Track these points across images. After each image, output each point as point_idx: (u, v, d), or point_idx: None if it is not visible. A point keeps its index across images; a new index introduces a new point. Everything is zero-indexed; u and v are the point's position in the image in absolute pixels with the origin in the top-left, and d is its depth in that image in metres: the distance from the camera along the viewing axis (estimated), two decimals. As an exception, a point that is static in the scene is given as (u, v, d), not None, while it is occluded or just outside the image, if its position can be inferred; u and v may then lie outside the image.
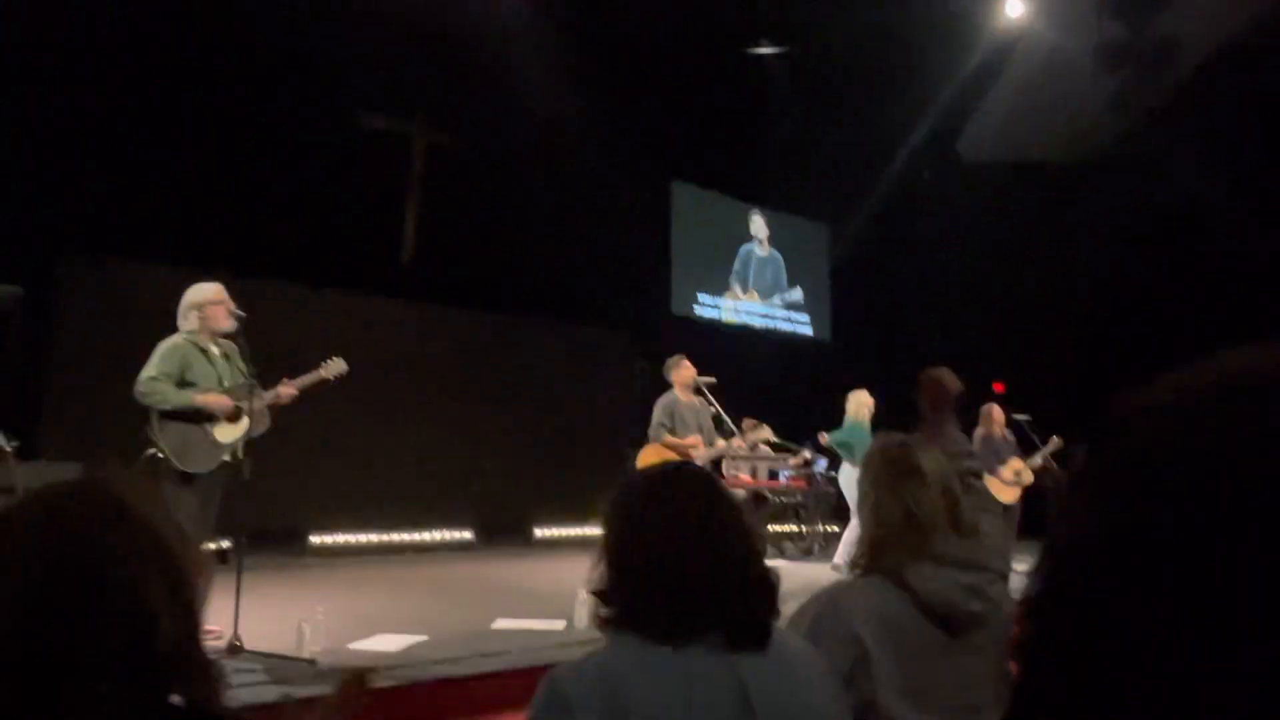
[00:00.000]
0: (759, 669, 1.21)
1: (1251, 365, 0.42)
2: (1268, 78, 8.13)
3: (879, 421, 7.15)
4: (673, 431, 6.20)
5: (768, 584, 1.30)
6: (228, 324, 4.33)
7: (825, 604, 1.67)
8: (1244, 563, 0.36)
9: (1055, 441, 7.78)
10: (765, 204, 12.40)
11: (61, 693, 0.79)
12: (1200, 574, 0.37)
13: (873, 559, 1.74)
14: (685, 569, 1.23)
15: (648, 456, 6.21)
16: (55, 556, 0.82)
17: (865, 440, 7.00)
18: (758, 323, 12.22)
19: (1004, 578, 1.73)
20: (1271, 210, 8.33)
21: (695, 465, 1.49)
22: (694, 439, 6.17)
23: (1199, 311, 8.82)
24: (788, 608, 1.44)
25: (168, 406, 4.12)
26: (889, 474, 1.76)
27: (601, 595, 1.31)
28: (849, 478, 7.16)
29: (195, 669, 0.87)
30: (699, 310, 11.48)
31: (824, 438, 7.39)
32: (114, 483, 0.91)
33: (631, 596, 1.26)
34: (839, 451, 7.25)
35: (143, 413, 4.14)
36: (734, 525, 1.30)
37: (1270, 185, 8.40)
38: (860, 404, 7.32)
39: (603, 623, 1.29)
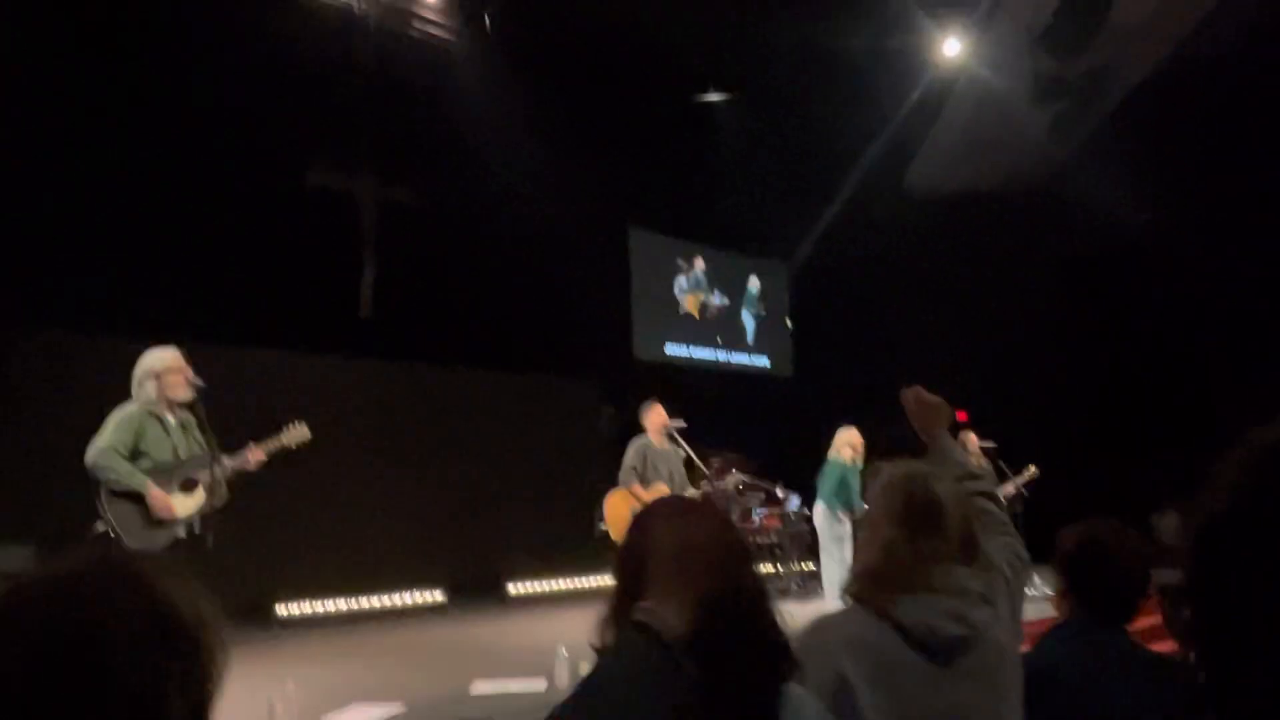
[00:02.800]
0: None
1: None
2: (1197, 102, 8.47)
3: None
4: (643, 477, 6.16)
5: (777, 646, 1.24)
6: (186, 393, 4.20)
7: (807, 636, 1.63)
8: None
9: (1031, 470, 7.87)
10: (719, 245, 12.52)
11: None
12: None
13: (867, 590, 1.69)
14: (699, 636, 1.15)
15: (614, 504, 6.15)
16: (58, 631, 0.79)
17: (840, 477, 6.95)
18: (719, 363, 12.26)
19: (987, 601, 1.67)
20: (1210, 231, 8.62)
21: (714, 510, 1.42)
22: (661, 487, 6.12)
23: (1150, 334, 9.06)
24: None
25: (119, 486, 3.96)
26: (908, 515, 1.68)
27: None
28: (822, 515, 7.07)
29: None
30: (669, 350, 11.51)
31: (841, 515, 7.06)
32: (129, 559, 0.88)
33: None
34: (829, 500, 7.02)
35: (92, 485, 3.99)
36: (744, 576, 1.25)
37: (1206, 206, 8.70)
38: (844, 443, 7.15)
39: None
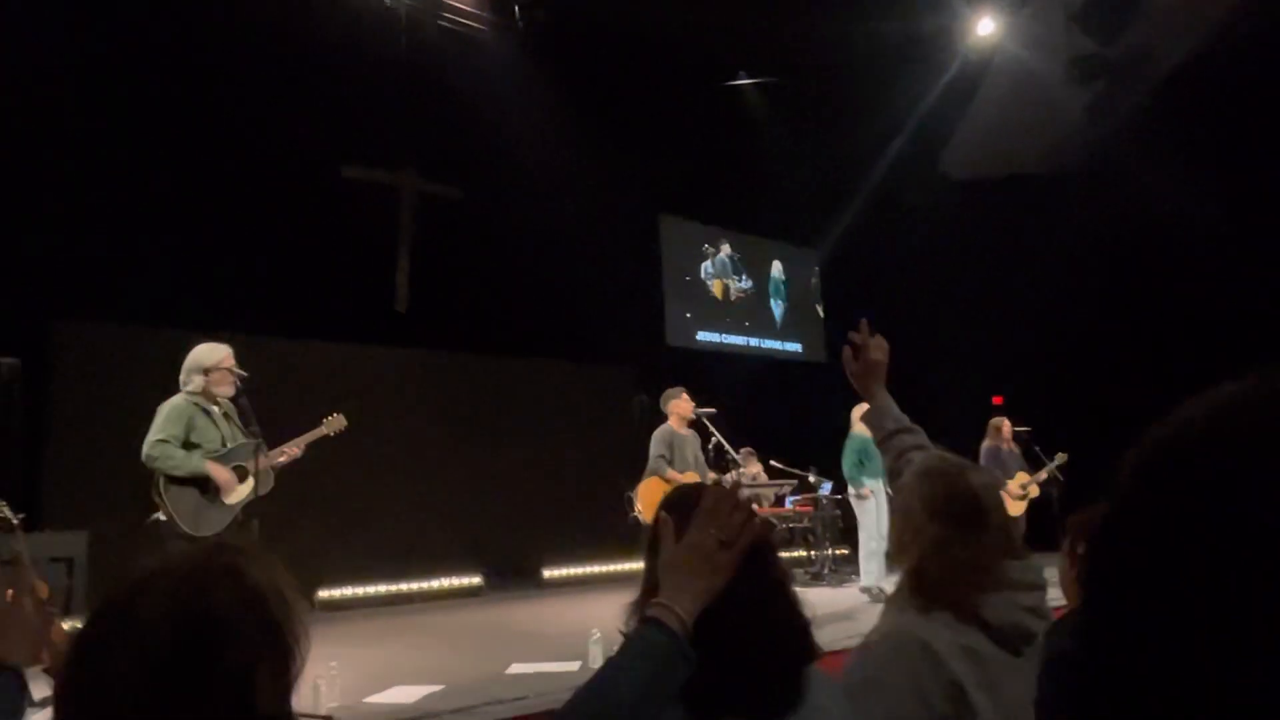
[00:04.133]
0: None
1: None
2: (1239, 82, 8.27)
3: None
4: (671, 464, 6.21)
5: (798, 629, 1.27)
6: (230, 390, 4.35)
7: (913, 650, 1.59)
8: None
9: (1061, 457, 7.79)
10: (752, 231, 12.49)
11: None
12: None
13: (936, 594, 1.65)
14: (718, 625, 1.16)
15: (649, 489, 6.21)
16: (180, 622, 0.87)
17: (860, 449, 7.06)
18: (750, 348, 12.26)
19: (1044, 589, 1.71)
20: (1251, 213, 8.43)
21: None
22: (690, 473, 6.17)
23: (1189, 317, 8.90)
24: (823, 634, 1.40)
25: (180, 472, 4.11)
26: (953, 512, 1.67)
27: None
28: (873, 489, 7.14)
29: None
30: (700, 337, 11.54)
31: (864, 489, 7.17)
32: (233, 553, 0.96)
33: None
34: (852, 474, 7.14)
35: (147, 476, 4.14)
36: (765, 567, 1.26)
37: (1248, 188, 8.50)
38: (861, 416, 7.25)
39: None
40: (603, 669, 1.13)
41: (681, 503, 1.32)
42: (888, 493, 6.81)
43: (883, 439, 2.13)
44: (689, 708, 1.14)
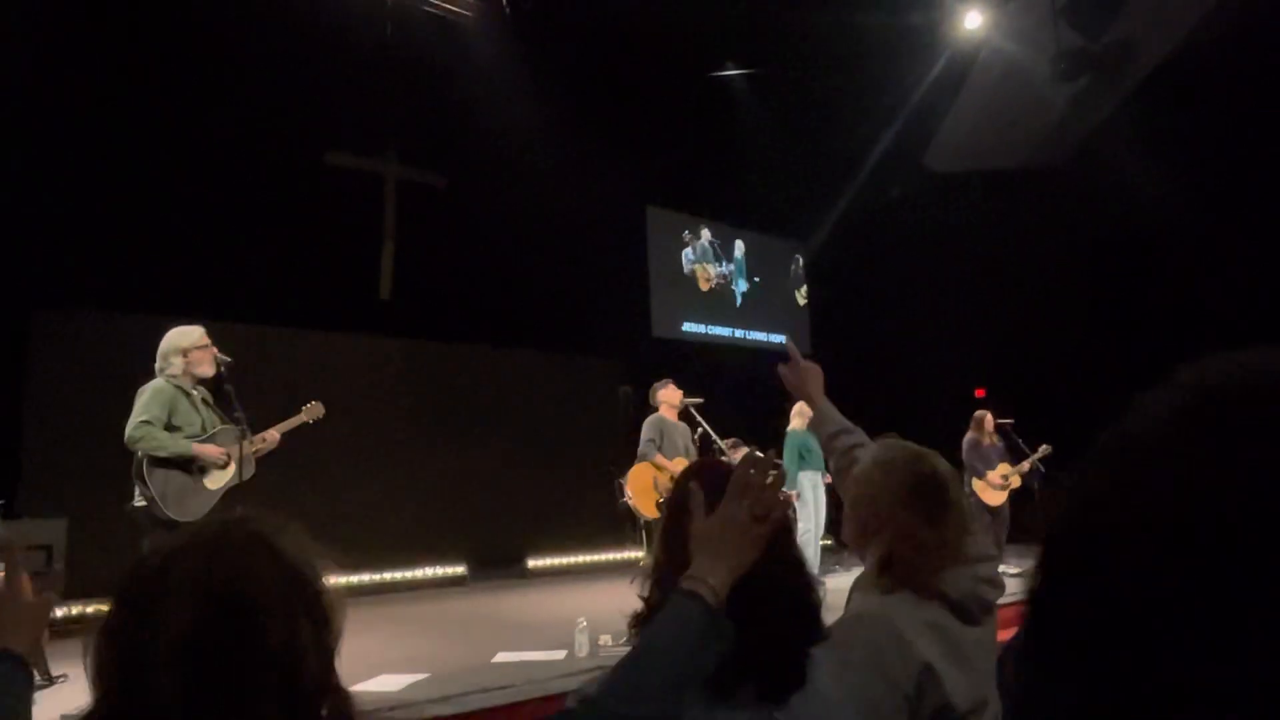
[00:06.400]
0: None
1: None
2: (1223, 78, 8.33)
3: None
4: (661, 450, 6.22)
5: (813, 609, 1.27)
6: (210, 369, 4.29)
7: (879, 632, 1.64)
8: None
9: (1044, 449, 7.89)
10: (739, 224, 12.50)
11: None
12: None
13: (902, 576, 1.70)
14: (740, 600, 1.15)
15: (639, 475, 6.22)
16: (217, 595, 0.86)
17: (798, 446, 7.53)
18: (735, 339, 12.28)
19: (996, 558, 1.81)
20: (1232, 207, 8.52)
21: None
22: (680, 461, 6.18)
23: (1171, 310, 8.99)
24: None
25: (164, 453, 4.04)
26: (919, 499, 1.72)
27: (644, 615, 1.27)
28: (812, 481, 7.60)
29: (335, 698, 0.92)
30: (686, 328, 11.54)
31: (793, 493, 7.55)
32: (257, 522, 0.95)
33: None
34: (790, 469, 7.60)
35: (128, 461, 4.09)
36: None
37: (1230, 183, 8.58)
38: (795, 413, 7.67)
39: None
40: (639, 644, 1.12)
41: (709, 474, 1.31)
42: (826, 485, 7.57)
43: (827, 441, 2.20)
44: (701, 683, 1.14)
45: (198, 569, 0.87)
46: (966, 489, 7.67)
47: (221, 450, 4.18)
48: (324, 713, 0.90)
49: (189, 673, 0.82)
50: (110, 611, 0.88)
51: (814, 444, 7.55)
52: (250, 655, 0.84)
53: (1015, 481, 7.87)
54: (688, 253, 11.99)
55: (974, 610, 1.69)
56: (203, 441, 4.21)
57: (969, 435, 7.97)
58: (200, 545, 0.90)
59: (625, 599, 1.34)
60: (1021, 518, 8.03)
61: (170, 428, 4.14)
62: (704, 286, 12.10)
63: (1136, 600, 0.39)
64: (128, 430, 4.03)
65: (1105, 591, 0.40)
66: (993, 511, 7.72)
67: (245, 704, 0.84)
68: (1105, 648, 0.39)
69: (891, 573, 1.71)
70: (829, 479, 7.86)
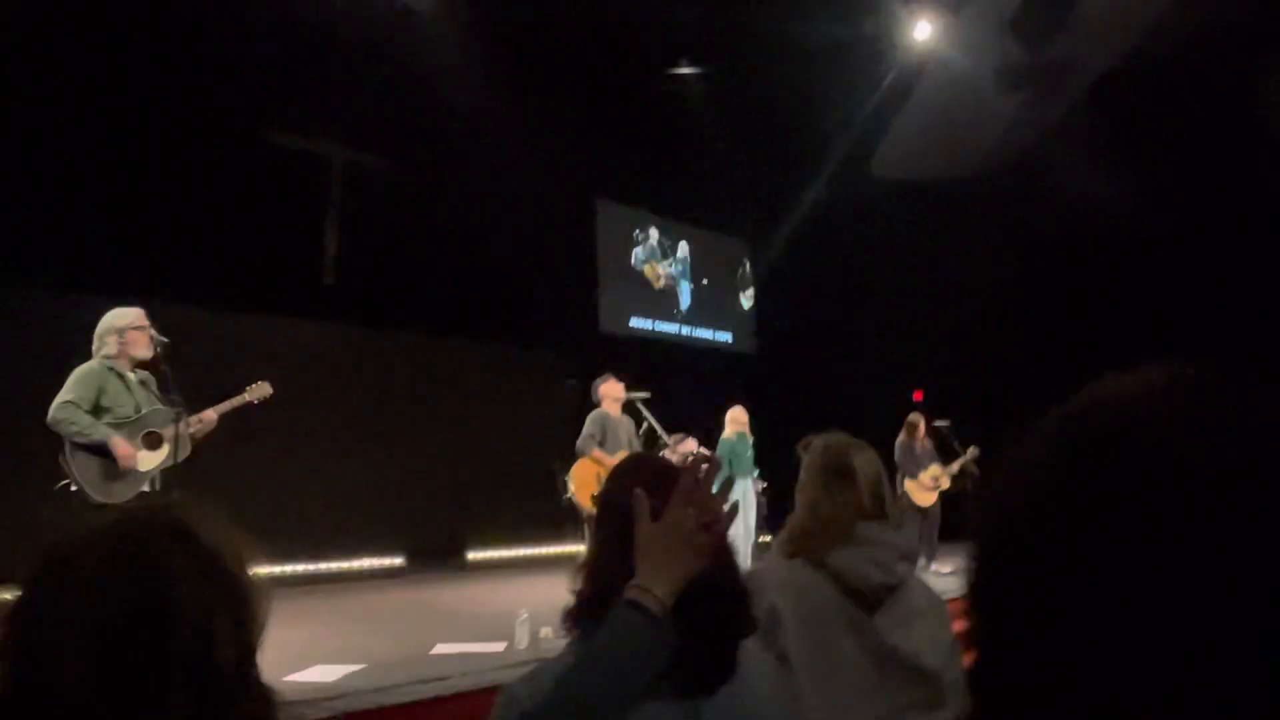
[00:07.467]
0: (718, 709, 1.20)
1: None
2: (1163, 91, 8.63)
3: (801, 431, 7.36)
4: (602, 445, 6.24)
5: (742, 601, 1.27)
6: (147, 351, 4.19)
7: (752, 581, 1.76)
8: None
9: (973, 450, 8.16)
10: (688, 223, 12.55)
11: (134, 712, 0.81)
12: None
13: (799, 546, 1.92)
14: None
15: (581, 470, 6.23)
16: (128, 582, 0.84)
17: (729, 453, 7.58)
18: (681, 336, 12.35)
19: (908, 558, 1.95)
20: (1169, 216, 8.83)
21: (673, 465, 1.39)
22: (622, 454, 6.21)
23: (1110, 316, 9.30)
24: None
25: (82, 438, 3.94)
26: (826, 474, 1.95)
27: (575, 609, 1.26)
28: (742, 487, 7.62)
29: (253, 691, 0.90)
30: (633, 323, 11.55)
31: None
32: (180, 509, 0.92)
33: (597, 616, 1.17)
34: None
35: (56, 444, 3.97)
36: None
37: (1170, 194, 8.89)
38: (728, 420, 7.81)
39: (569, 630, 1.26)
40: (582, 655, 1.11)
41: (647, 471, 1.31)
42: (756, 490, 7.86)
43: None
44: None
45: (110, 553, 0.85)
46: (899, 490, 7.88)
47: (129, 450, 4.05)
48: (241, 705, 0.87)
49: (94, 659, 0.80)
50: (19, 592, 0.86)
51: (743, 450, 7.73)
52: (160, 644, 0.82)
53: (945, 483, 8.13)
54: (638, 251, 12.01)
55: (863, 592, 1.83)
56: (134, 423, 4.10)
57: (901, 438, 8.22)
58: (114, 529, 0.88)
59: (567, 593, 1.33)
60: (951, 518, 8.26)
61: (100, 409, 4.03)
62: (656, 285, 12.13)
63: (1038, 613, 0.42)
64: (50, 410, 3.94)
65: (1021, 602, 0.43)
66: (923, 512, 7.98)
67: (153, 694, 0.81)
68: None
69: (793, 541, 1.94)
70: (759, 485, 8.19)
